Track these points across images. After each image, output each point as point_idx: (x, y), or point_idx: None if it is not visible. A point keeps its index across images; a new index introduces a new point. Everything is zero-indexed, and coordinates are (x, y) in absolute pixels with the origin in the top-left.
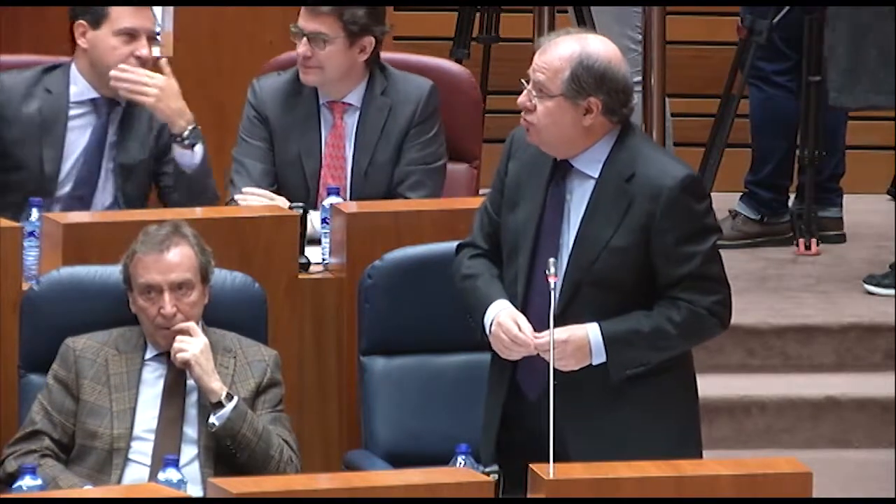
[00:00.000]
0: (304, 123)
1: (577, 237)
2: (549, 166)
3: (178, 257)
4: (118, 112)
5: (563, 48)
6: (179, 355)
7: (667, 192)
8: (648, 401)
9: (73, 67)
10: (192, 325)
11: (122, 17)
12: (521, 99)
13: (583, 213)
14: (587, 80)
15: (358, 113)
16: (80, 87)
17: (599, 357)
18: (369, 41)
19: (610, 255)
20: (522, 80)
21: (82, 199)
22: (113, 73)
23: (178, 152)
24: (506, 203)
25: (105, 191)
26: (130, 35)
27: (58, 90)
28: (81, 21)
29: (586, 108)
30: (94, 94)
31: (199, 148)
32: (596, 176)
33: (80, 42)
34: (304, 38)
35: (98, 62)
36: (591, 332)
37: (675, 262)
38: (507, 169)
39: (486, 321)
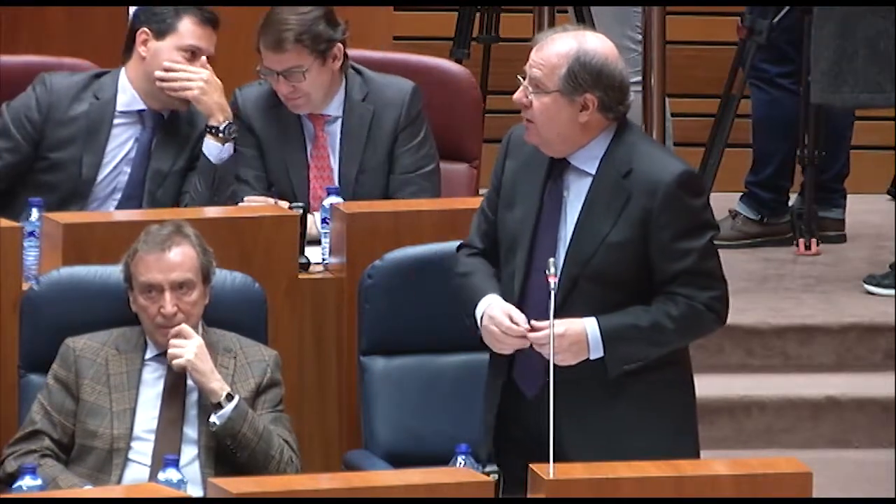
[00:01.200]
0: (287, 135)
1: (574, 233)
2: (546, 163)
3: (180, 257)
4: (161, 123)
5: (560, 44)
6: (175, 361)
7: (664, 187)
8: (645, 397)
9: (123, 75)
10: (184, 327)
11: (190, 34)
12: (517, 95)
13: (580, 210)
14: (584, 77)
15: (339, 122)
16: (127, 97)
17: (597, 352)
18: (338, 48)
19: (607, 250)
20: (518, 76)
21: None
22: (158, 73)
23: (209, 143)
24: (503, 201)
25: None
26: (192, 53)
27: (105, 97)
28: (146, 29)
29: (582, 104)
30: (141, 106)
31: (229, 145)
32: (593, 172)
33: (140, 49)
34: (280, 77)
35: (154, 73)
36: (588, 326)
37: (673, 258)
38: (504, 167)
39: (478, 314)
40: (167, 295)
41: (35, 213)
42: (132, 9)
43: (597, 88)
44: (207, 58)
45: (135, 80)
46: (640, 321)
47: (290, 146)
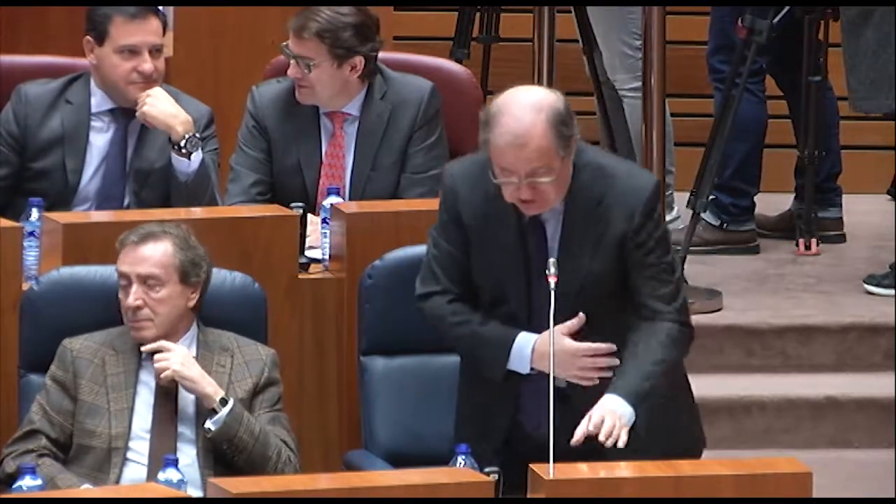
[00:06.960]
0: (304, 132)
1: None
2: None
3: (152, 251)
4: (137, 120)
5: (532, 128)
6: (163, 374)
7: (640, 209)
8: (653, 413)
9: (92, 79)
10: (163, 343)
11: (122, 34)
12: (525, 195)
13: (558, 244)
14: (564, 139)
15: (357, 122)
16: (98, 98)
17: (631, 420)
18: (359, 60)
19: (592, 278)
20: (513, 179)
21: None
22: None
23: (175, 160)
24: (474, 245)
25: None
26: (132, 52)
27: (79, 101)
28: (88, 37)
29: (563, 160)
30: (112, 104)
31: (195, 156)
32: (563, 208)
33: (90, 58)
34: (293, 60)
35: (105, 78)
36: (619, 407)
37: (646, 273)
38: (459, 211)
39: (526, 352)
40: (133, 287)
41: (35, 213)
42: (167, 9)
43: (567, 147)
44: (159, 49)
45: (99, 84)
46: (652, 377)
47: (306, 143)
